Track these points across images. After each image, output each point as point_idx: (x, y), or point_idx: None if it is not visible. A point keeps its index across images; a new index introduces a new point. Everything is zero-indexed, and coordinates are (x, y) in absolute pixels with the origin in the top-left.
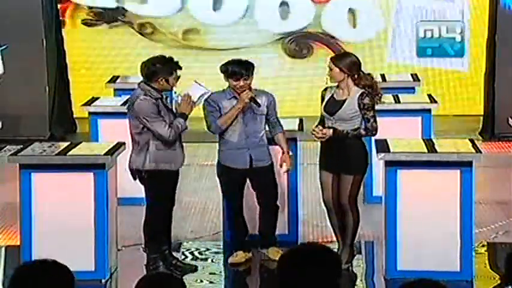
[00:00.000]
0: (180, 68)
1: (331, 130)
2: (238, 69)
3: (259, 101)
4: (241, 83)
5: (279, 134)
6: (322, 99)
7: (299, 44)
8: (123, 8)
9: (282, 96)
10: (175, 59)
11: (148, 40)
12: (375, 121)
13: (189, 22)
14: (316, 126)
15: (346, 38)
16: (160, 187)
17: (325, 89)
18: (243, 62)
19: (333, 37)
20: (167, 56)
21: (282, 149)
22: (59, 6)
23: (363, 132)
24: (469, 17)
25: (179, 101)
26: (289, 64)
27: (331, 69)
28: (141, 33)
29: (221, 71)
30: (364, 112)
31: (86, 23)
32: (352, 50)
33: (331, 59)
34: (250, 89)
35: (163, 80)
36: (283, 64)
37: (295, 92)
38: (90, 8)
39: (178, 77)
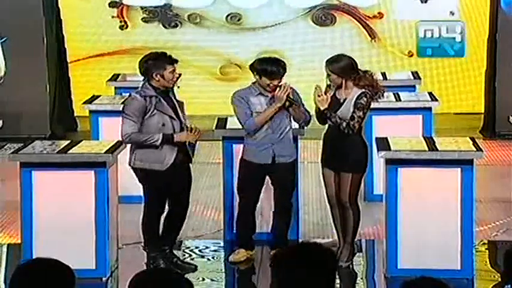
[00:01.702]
0: (175, 62)
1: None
2: (274, 69)
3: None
4: (275, 82)
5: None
6: None
7: (324, 14)
8: (170, 4)
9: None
10: (168, 54)
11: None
12: (358, 122)
13: (228, 8)
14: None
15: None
16: (151, 186)
17: (328, 86)
18: (278, 61)
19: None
20: (160, 51)
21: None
22: (59, 4)
23: (344, 126)
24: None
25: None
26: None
27: (328, 75)
28: (190, 22)
29: (255, 69)
30: (354, 110)
31: (145, 20)
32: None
33: (326, 64)
34: (281, 87)
35: (159, 75)
36: (312, 32)
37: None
38: (143, 7)
39: (180, 74)
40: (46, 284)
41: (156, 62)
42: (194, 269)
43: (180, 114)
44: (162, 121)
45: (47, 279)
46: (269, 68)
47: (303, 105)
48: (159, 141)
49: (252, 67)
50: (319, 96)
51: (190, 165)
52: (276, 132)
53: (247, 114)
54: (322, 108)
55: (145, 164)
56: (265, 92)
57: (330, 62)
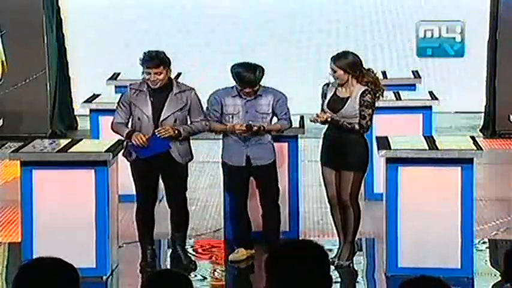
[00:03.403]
0: (149, 67)
1: (328, 114)
2: (246, 75)
3: (264, 101)
4: (247, 89)
5: (277, 122)
6: (324, 95)
7: None
8: None
9: None
10: (151, 55)
11: None
12: (370, 120)
13: None
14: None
15: None
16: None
17: (327, 84)
18: (252, 68)
19: None
20: (151, 51)
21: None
22: (60, 3)
23: (356, 126)
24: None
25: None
26: None
27: (334, 71)
28: None
29: (231, 72)
30: (362, 109)
31: None
32: None
33: (332, 60)
34: (255, 92)
35: (144, 73)
36: None
37: None
38: None
39: (160, 78)
40: (50, 283)
41: (140, 60)
42: (194, 268)
43: (165, 111)
44: (138, 115)
45: (51, 278)
46: (242, 74)
47: (288, 111)
48: (124, 135)
49: (230, 70)
50: (318, 119)
51: (189, 164)
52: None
53: (211, 116)
54: (329, 120)
55: (125, 153)
56: (242, 94)
57: (337, 58)
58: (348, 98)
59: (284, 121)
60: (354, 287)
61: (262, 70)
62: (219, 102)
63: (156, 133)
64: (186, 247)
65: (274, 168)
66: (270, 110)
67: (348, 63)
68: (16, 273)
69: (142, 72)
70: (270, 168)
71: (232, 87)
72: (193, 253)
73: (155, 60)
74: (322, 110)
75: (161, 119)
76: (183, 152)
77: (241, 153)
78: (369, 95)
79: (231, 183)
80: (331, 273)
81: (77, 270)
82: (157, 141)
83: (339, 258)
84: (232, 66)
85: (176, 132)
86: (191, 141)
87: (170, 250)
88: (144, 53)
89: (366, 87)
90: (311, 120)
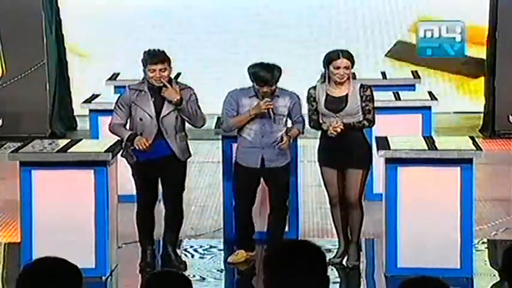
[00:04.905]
0: (160, 62)
1: (337, 120)
2: (263, 75)
3: (281, 102)
4: (265, 89)
5: (294, 126)
6: (313, 98)
7: None
8: None
9: None
10: (158, 52)
11: None
12: (374, 113)
13: None
14: (330, 123)
15: None
16: (133, 178)
17: (313, 88)
18: (269, 67)
19: None
20: (155, 49)
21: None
22: (59, 3)
23: (366, 123)
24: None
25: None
26: None
27: (345, 67)
28: None
29: (248, 72)
30: (366, 103)
31: None
32: None
33: (344, 56)
34: (273, 93)
35: (146, 71)
36: None
37: None
38: None
39: (165, 75)
40: (55, 283)
41: (143, 58)
42: (185, 268)
43: (165, 108)
44: (140, 116)
45: (55, 278)
46: (259, 73)
47: (301, 115)
48: (125, 138)
49: (247, 70)
50: (337, 129)
51: (187, 164)
52: (267, 136)
53: (228, 115)
54: (344, 125)
55: (127, 155)
56: (260, 95)
57: (346, 53)
58: (347, 96)
59: (299, 124)
60: (353, 287)
61: (279, 70)
62: (235, 101)
63: (163, 92)
64: (185, 247)
65: (287, 171)
66: (286, 112)
67: (353, 58)
68: (19, 274)
69: (144, 72)
70: (283, 170)
71: (250, 88)
72: (193, 253)
73: (160, 55)
74: (316, 112)
75: (162, 115)
76: (182, 149)
77: (256, 155)
78: (369, 89)
79: (242, 184)
80: (329, 273)
81: (80, 270)
82: (160, 145)
83: (348, 260)
84: (249, 66)
85: (179, 98)
86: (190, 140)
87: (161, 250)
88: (147, 51)
89: (362, 83)
90: (332, 135)
